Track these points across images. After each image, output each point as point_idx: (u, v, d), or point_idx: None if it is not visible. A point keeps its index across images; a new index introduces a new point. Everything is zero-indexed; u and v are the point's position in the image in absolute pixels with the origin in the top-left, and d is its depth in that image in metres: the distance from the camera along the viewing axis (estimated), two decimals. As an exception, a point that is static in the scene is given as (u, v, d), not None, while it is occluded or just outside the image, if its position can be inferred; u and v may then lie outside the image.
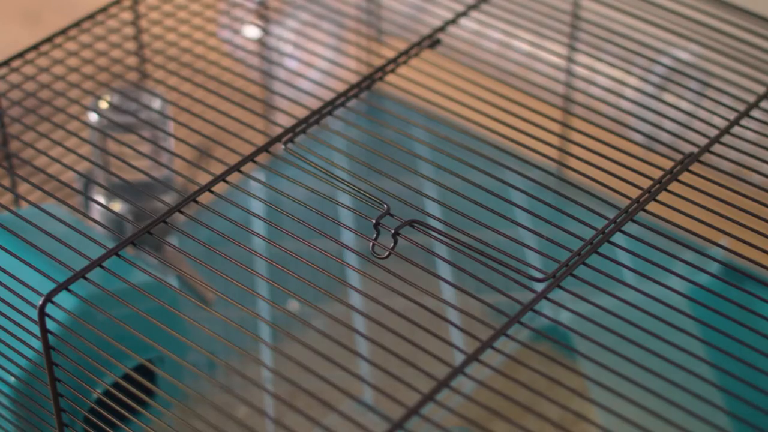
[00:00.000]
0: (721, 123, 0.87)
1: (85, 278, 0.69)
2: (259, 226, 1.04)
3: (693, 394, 0.76)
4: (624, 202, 0.97)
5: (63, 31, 0.84)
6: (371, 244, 0.77)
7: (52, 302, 0.68)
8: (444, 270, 0.99)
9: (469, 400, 0.99)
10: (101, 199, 0.82)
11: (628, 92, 0.92)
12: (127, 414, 0.77)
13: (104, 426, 0.76)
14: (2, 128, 0.80)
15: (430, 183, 1.02)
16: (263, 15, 0.95)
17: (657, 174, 0.89)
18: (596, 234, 0.79)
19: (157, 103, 0.83)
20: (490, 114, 1.02)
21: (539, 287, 0.91)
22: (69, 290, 0.68)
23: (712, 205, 0.80)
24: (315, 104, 0.88)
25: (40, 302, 0.67)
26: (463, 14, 0.84)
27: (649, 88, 0.91)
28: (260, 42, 0.95)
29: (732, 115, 0.82)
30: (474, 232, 0.97)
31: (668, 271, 0.91)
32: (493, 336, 0.74)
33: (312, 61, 1.02)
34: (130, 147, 0.81)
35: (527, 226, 0.91)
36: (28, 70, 0.81)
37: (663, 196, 0.77)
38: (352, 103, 1.09)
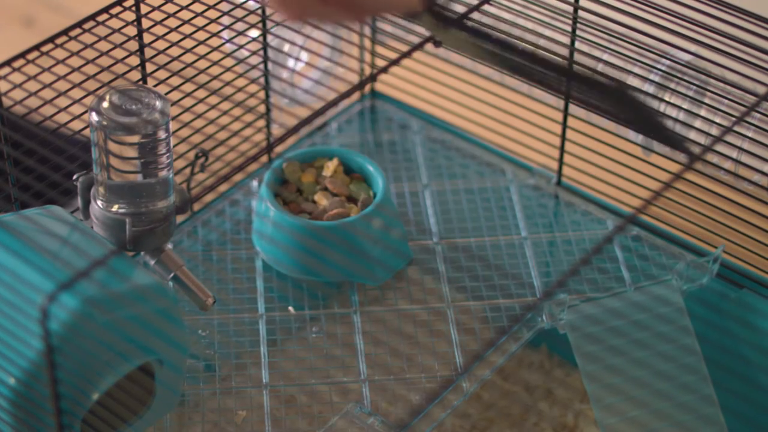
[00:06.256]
0: (722, 123, 0.87)
1: (88, 278, 0.69)
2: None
3: (687, 383, 0.76)
4: (624, 204, 0.97)
5: (64, 31, 0.84)
6: None
7: (55, 302, 0.67)
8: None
9: (469, 401, 0.99)
10: (102, 200, 0.82)
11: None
12: (125, 416, 0.77)
13: (103, 428, 0.76)
14: (3, 127, 0.80)
15: (429, 186, 1.02)
16: (265, 15, 0.95)
17: (658, 175, 0.89)
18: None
19: (158, 103, 0.83)
20: (489, 115, 1.02)
21: (540, 290, 0.91)
22: (71, 290, 0.68)
23: (713, 206, 0.80)
24: (316, 104, 0.88)
25: (43, 301, 0.67)
26: (464, 15, 0.84)
27: (649, 89, 0.91)
28: (262, 42, 0.95)
29: (732, 116, 0.82)
30: (473, 237, 0.97)
31: (669, 271, 0.91)
32: (494, 337, 0.74)
33: (313, 62, 1.02)
34: (131, 147, 0.81)
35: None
36: (30, 69, 0.81)
37: (662, 199, 0.77)
38: (352, 105, 1.10)
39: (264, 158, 1.00)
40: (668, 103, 0.90)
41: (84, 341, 0.72)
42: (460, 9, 0.86)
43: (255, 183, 1.00)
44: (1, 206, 0.85)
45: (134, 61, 0.86)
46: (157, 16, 0.87)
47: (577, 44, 0.92)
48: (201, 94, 0.87)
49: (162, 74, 0.86)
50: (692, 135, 0.89)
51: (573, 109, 0.97)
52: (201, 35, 0.86)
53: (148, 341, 0.76)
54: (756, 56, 0.81)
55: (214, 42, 0.89)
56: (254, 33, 0.95)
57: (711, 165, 0.89)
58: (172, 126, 0.82)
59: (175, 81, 0.85)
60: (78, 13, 0.87)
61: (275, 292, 0.92)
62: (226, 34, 0.95)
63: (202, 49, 0.86)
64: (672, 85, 0.91)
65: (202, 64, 0.87)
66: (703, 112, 0.89)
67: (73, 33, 0.84)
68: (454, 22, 0.69)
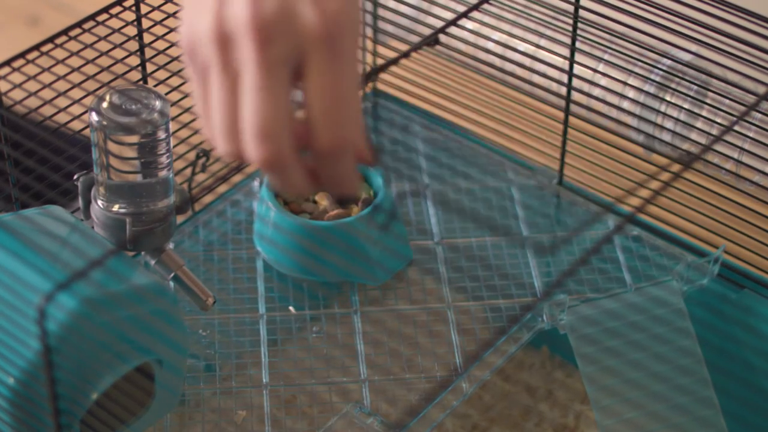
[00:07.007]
0: (722, 122, 0.87)
1: (86, 279, 0.69)
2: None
3: (687, 384, 0.76)
4: (626, 204, 0.97)
5: (64, 31, 0.84)
6: None
7: (53, 302, 0.67)
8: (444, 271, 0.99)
9: (470, 402, 0.99)
10: (102, 200, 0.82)
11: (629, 93, 0.92)
12: (125, 417, 0.77)
13: (102, 428, 0.76)
14: (3, 127, 0.80)
15: (430, 185, 1.02)
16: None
17: (659, 175, 0.89)
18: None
19: (158, 104, 0.83)
20: (490, 115, 1.02)
21: (541, 290, 0.91)
22: (69, 290, 0.68)
23: (712, 206, 0.80)
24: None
25: (40, 301, 0.67)
26: (464, 15, 0.84)
27: (650, 89, 0.91)
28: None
29: (733, 116, 0.82)
30: (474, 237, 0.97)
31: (669, 272, 0.91)
32: (493, 337, 0.74)
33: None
34: (131, 147, 0.81)
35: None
36: (30, 69, 0.81)
37: (663, 199, 0.77)
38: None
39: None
40: (669, 102, 0.90)
41: (82, 341, 0.72)
42: (460, 9, 0.86)
43: (256, 184, 1.00)
44: (1, 206, 0.85)
45: (134, 61, 0.87)
46: (157, 16, 0.87)
47: (577, 44, 0.92)
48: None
49: (162, 74, 0.86)
50: (693, 135, 0.89)
51: (574, 108, 0.97)
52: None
53: (147, 342, 0.76)
54: (756, 56, 0.81)
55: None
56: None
57: (712, 165, 0.89)
58: (173, 126, 0.82)
59: (175, 81, 0.86)
60: (82, 12, 0.87)
61: (276, 293, 0.92)
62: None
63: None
64: (673, 85, 0.91)
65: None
66: (704, 112, 0.89)
67: (72, 33, 0.84)
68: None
